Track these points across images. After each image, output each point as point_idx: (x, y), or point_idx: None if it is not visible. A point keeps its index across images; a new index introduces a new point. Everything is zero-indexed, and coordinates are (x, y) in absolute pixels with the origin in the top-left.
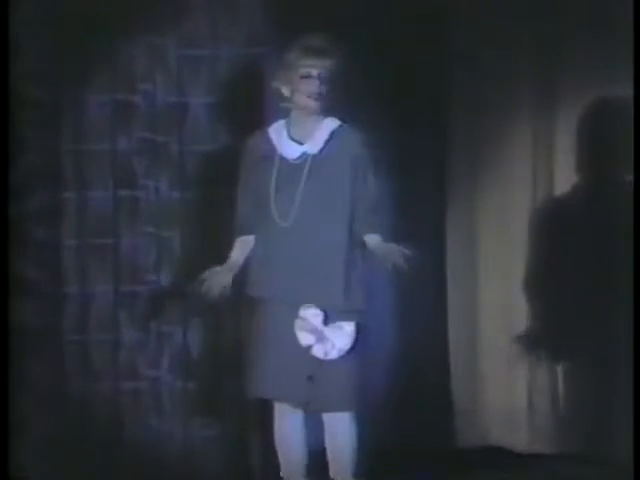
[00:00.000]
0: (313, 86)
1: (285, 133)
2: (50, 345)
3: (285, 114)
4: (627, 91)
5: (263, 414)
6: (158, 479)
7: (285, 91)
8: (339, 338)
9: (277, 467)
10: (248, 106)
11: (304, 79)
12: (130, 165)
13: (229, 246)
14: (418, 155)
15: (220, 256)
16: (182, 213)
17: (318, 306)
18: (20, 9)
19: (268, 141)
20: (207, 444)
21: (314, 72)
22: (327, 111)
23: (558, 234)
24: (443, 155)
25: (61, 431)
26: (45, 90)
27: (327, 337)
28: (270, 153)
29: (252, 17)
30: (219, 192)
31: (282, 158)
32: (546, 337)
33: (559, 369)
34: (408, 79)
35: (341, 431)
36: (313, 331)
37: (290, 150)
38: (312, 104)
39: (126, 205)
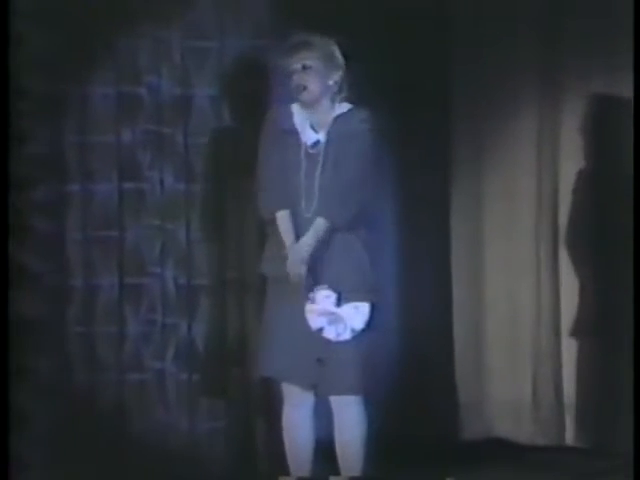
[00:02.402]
0: (297, 79)
1: (308, 121)
2: (55, 337)
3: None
4: (629, 77)
5: (268, 405)
6: (163, 471)
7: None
8: (353, 318)
9: (283, 458)
10: (253, 98)
11: (291, 76)
12: (135, 157)
13: (234, 237)
14: (422, 144)
15: (226, 247)
16: (187, 205)
17: (330, 288)
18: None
19: (290, 116)
20: (212, 436)
21: (297, 66)
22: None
23: (563, 223)
24: (448, 142)
25: (65, 423)
26: (49, 82)
27: (341, 318)
28: (292, 128)
29: (257, 8)
30: (224, 184)
31: (305, 144)
32: (550, 329)
33: (563, 362)
34: (412, 65)
35: (349, 421)
36: (325, 313)
37: (308, 136)
38: (300, 96)
39: (131, 197)
